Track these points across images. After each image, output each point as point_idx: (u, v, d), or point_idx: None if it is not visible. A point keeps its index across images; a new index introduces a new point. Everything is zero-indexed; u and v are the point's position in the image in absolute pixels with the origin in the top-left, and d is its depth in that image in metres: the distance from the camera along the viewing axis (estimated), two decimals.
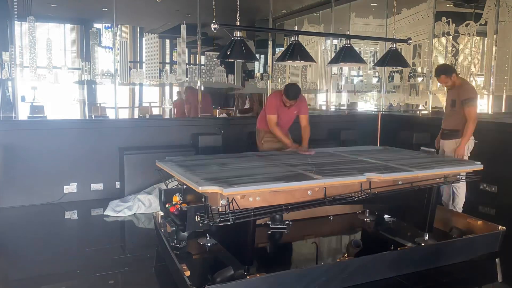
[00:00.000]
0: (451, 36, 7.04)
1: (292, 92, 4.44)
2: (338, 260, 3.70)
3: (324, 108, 8.13)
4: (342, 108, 8.52)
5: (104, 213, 4.93)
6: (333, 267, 3.34)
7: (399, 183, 3.49)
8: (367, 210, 4.73)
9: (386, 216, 4.64)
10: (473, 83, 6.87)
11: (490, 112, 6.45)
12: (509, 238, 3.85)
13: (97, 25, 6.55)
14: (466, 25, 6.86)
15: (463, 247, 3.73)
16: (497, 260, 3.74)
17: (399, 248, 3.66)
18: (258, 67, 9.13)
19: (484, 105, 6.95)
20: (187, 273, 2.95)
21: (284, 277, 3.03)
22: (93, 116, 7.42)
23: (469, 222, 4.16)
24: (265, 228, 4.21)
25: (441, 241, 3.81)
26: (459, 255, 3.66)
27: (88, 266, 3.52)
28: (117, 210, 4.93)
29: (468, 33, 6.84)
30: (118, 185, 5.60)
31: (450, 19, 7.05)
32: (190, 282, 2.80)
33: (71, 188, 5.41)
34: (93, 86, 6.93)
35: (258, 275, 2.98)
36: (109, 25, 6.35)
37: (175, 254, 3.25)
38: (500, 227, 3.89)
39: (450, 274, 3.46)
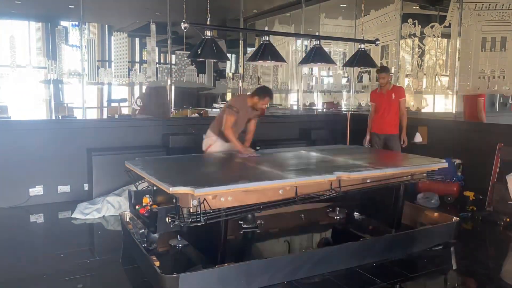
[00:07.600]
0: (417, 38, 7.24)
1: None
2: (303, 250, 3.81)
3: (295, 107, 8.20)
4: (313, 108, 8.62)
5: (72, 216, 4.81)
6: (298, 257, 3.42)
7: (368, 181, 3.57)
8: (337, 208, 4.81)
9: (355, 213, 4.73)
10: (438, 83, 7.10)
11: (453, 112, 6.67)
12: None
13: (63, 23, 6.36)
14: (431, 27, 7.07)
15: (420, 237, 3.90)
16: (452, 248, 3.94)
17: (360, 239, 3.76)
18: (229, 67, 9.11)
19: (449, 104, 7.18)
20: (157, 263, 2.94)
21: (251, 266, 3.11)
22: (59, 116, 7.22)
23: (426, 214, 4.40)
24: (237, 227, 4.21)
25: (400, 232, 3.96)
26: (417, 245, 3.83)
27: (56, 270, 3.43)
28: (86, 213, 4.82)
29: (433, 35, 7.05)
30: (86, 187, 5.47)
31: (416, 21, 7.25)
32: (160, 270, 2.82)
33: (37, 190, 5.25)
34: (59, 85, 6.74)
35: (226, 264, 3.02)
36: (77, 23, 6.18)
37: (144, 247, 3.22)
38: (454, 218, 4.12)
39: (409, 263, 3.63)
